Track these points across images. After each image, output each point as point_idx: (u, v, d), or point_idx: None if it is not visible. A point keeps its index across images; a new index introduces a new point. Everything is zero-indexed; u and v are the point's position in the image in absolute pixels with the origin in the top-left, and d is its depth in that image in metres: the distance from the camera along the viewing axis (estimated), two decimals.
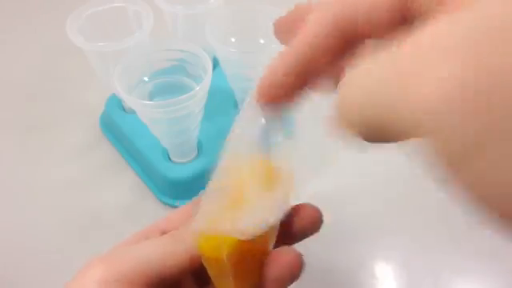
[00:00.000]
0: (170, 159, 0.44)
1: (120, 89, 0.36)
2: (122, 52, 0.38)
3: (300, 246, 0.40)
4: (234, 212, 0.23)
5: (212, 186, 0.25)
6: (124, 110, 0.47)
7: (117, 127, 0.47)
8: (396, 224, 0.42)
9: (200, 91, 0.35)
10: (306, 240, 0.40)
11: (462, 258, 0.40)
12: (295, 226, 0.25)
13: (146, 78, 0.40)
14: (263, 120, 0.24)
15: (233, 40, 0.44)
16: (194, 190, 0.42)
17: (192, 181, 0.42)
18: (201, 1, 0.44)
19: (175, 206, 0.44)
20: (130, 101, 0.36)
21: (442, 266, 0.40)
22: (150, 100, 0.40)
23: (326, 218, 0.43)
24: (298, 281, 0.37)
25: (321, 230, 0.41)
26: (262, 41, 0.44)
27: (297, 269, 0.24)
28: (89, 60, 0.42)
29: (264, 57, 0.39)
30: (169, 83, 0.41)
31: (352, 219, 0.43)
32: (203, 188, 0.42)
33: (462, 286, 0.39)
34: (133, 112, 0.44)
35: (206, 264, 0.23)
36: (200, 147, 0.44)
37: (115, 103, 0.48)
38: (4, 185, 0.46)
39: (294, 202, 0.25)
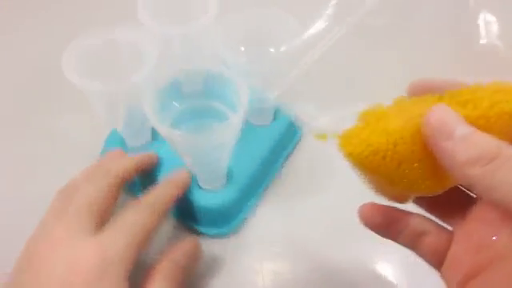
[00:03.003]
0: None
1: (153, 119, 0.34)
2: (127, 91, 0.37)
3: (300, 247, 0.43)
4: None
5: None
6: (127, 147, 0.45)
7: None
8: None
9: (236, 119, 0.33)
10: (306, 241, 0.42)
11: None
12: None
13: (175, 103, 0.39)
14: None
15: (242, 49, 0.42)
16: (224, 218, 0.42)
17: (221, 208, 0.41)
18: (188, 19, 0.41)
19: (198, 232, 0.42)
20: (163, 131, 0.34)
21: None
22: (178, 126, 0.39)
23: (325, 219, 0.44)
24: (299, 282, 0.40)
25: (320, 230, 0.43)
26: (271, 49, 0.42)
27: None
28: (85, 95, 0.39)
29: (273, 66, 0.37)
30: (198, 108, 0.39)
31: (352, 219, 0.42)
32: (232, 216, 0.42)
33: None
34: (138, 149, 0.43)
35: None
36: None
37: (117, 140, 0.45)
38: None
39: None
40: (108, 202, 0.35)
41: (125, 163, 0.38)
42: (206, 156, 0.37)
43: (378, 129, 0.23)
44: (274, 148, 0.45)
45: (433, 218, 0.28)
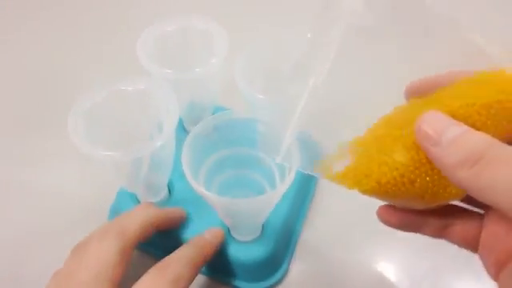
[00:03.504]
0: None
1: (192, 181, 0.31)
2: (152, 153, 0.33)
3: (300, 247, 0.42)
4: None
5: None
6: (139, 202, 0.41)
7: None
8: None
9: (284, 188, 0.30)
10: (306, 241, 0.42)
11: (463, 258, 0.40)
12: None
13: (210, 153, 0.36)
14: None
15: (260, 82, 0.39)
16: (263, 271, 0.39)
17: (260, 261, 0.38)
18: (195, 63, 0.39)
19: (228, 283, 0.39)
20: (202, 192, 0.31)
21: (443, 265, 0.40)
22: (215, 176, 0.36)
23: (325, 219, 0.43)
24: (299, 282, 0.39)
25: (320, 230, 0.43)
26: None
27: None
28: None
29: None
30: (236, 155, 0.36)
31: (352, 219, 0.43)
32: (270, 269, 0.39)
33: (463, 285, 0.40)
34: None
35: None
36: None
37: (128, 198, 0.41)
38: None
39: None
40: (119, 268, 0.31)
41: (144, 220, 0.34)
42: (246, 218, 0.34)
43: (376, 157, 0.23)
44: (299, 192, 0.42)
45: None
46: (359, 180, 0.24)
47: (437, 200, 0.24)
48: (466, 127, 0.21)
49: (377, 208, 0.43)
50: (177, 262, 0.32)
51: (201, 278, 0.40)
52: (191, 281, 0.32)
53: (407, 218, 0.26)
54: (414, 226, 0.27)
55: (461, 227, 0.26)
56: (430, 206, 0.25)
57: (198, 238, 0.35)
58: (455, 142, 0.20)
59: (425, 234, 0.27)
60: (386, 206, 0.27)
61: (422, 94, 0.25)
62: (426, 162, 0.22)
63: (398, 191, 0.23)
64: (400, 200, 0.25)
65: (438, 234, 0.27)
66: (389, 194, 0.23)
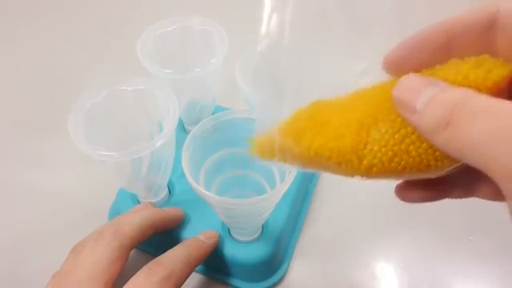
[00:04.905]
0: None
1: (193, 184, 0.30)
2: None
3: (300, 247, 0.42)
4: None
5: None
6: (139, 203, 0.41)
7: None
8: (396, 224, 0.43)
9: (284, 187, 0.30)
10: (306, 241, 0.41)
11: (461, 258, 0.41)
12: None
13: (210, 153, 0.35)
14: None
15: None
16: (262, 271, 0.38)
17: (259, 262, 0.37)
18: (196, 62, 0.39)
19: (228, 284, 0.39)
20: (203, 194, 0.30)
21: (442, 266, 0.41)
22: (215, 177, 0.36)
23: (324, 218, 0.43)
24: (299, 282, 0.39)
25: (320, 229, 0.42)
26: None
27: None
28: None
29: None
30: (236, 156, 0.36)
31: (352, 219, 0.44)
32: (270, 270, 0.39)
33: (462, 286, 0.40)
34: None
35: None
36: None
37: (129, 198, 0.41)
38: None
39: None
40: (115, 267, 0.31)
41: (141, 220, 0.34)
42: (246, 218, 0.34)
43: (359, 140, 0.21)
44: (299, 192, 0.42)
45: None
46: (354, 167, 0.22)
47: (444, 165, 0.21)
48: (443, 84, 0.19)
49: (377, 207, 0.44)
50: (169, 260, 0.32)
51: (201, 278, 0.40)
52: (184, 279, 0.32)
53: (426, 191, 0.24)
54: (435, 197, 0.24)
55: (486, 184, 0.23)
56: (442, 172, 0.22)
57: (192, 238, 0.36)
58: (428, 104, 0.18)
59: (452, 198, 0.24)
60: (402, 183, 0.24)
61: (405, 62, 0.22)
62: (414, 130, 0.20)
63: (398, 166, 0.21)
64: (407, 174, 0.22)
65: (466, 196, 0.24)
66: (391, 172, 0.21)
